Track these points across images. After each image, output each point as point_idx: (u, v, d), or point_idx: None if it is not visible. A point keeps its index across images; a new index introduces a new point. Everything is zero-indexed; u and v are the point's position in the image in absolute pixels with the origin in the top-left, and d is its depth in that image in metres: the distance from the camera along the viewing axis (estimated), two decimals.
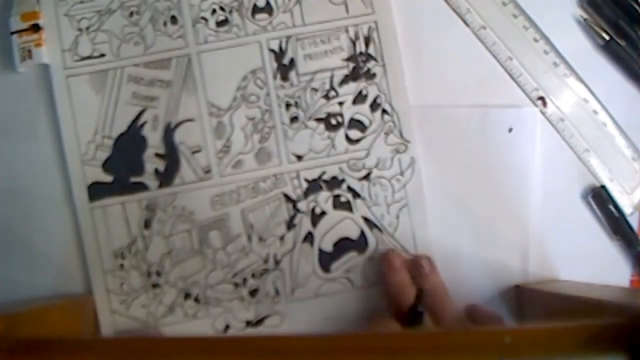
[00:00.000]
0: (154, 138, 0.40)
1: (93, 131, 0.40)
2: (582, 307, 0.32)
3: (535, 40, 0.41)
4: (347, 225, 0.40)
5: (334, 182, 0.40)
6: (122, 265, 0.39)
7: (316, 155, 0.40)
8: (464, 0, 0.41)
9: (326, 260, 0.40)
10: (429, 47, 0.41)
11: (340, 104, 0.40)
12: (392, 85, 0.40)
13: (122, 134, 0.40)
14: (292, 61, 0.40)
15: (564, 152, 0.41)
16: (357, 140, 0.40)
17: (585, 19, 0.41)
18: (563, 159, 0.41)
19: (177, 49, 0.40)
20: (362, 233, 0.40)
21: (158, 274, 0.39)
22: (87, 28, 0.40)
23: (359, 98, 0.40)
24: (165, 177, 0.40)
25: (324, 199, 0.40)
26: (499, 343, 0.23)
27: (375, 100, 0.40)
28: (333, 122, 0.40)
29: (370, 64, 0.40)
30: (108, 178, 0.40)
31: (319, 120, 0.40)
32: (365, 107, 0.40)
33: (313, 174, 0.40)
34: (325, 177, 0.40)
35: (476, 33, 0.41)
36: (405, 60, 0.40)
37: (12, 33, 0.39)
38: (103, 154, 0.40)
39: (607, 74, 0.41)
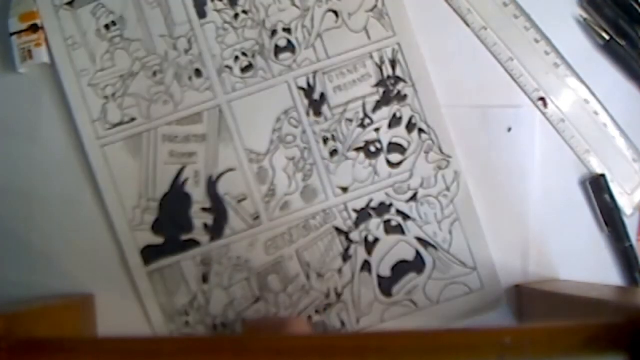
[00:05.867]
0: (198, 193, 0.40)
1: (137, 196, 0.40)
2: (582, 307, 0.32)
3: (536, 41, 0.41)
4: (402, 248, 0.40)
5: (383, 208, 0.40)
6: (187, 322, 0.40)
7: (361, 185, 0.40)
8: (464, 1, 0.40)
9: (386, 285, 0.40)
10: (429, 47, 0.40)
11: (377, 130, 0.40)
12: (425, 103, 0.40)
13: (166, 194, 0.40)
14: (322, 95, 0.40)
15: (564, 153, 0.41)
16: (399, 163, 0.40)
17: (585, 19, 0.41)
18: (563, 159, 0.41)
19: (206, 102, 0.40)
20: (418, 253, 0.40)
21: (224, 325, 0.40)
22: (113, 95, 0.40)
23: (394, 121, 0.40)
24: (216, 230, 0.40)
25: (375, 226, 0.40)
26: (499, 343, 0.23)
27: (410, 121, 0.40)
28: (372, 149, 0.40)
29: (400, 86, 0.40)
30: (159, 240, 0.40)
31: (358, 149, 0.40)
32: (401, 130, 0.40)
33: (361, 204, 0.40)
34: (373, 204, 0.40)
35: (477, 34, 0.41)
36: None
37: (12, 34, 0.39)
38: (150, 217, 0.40)
39: (607, 74, 0.41)
